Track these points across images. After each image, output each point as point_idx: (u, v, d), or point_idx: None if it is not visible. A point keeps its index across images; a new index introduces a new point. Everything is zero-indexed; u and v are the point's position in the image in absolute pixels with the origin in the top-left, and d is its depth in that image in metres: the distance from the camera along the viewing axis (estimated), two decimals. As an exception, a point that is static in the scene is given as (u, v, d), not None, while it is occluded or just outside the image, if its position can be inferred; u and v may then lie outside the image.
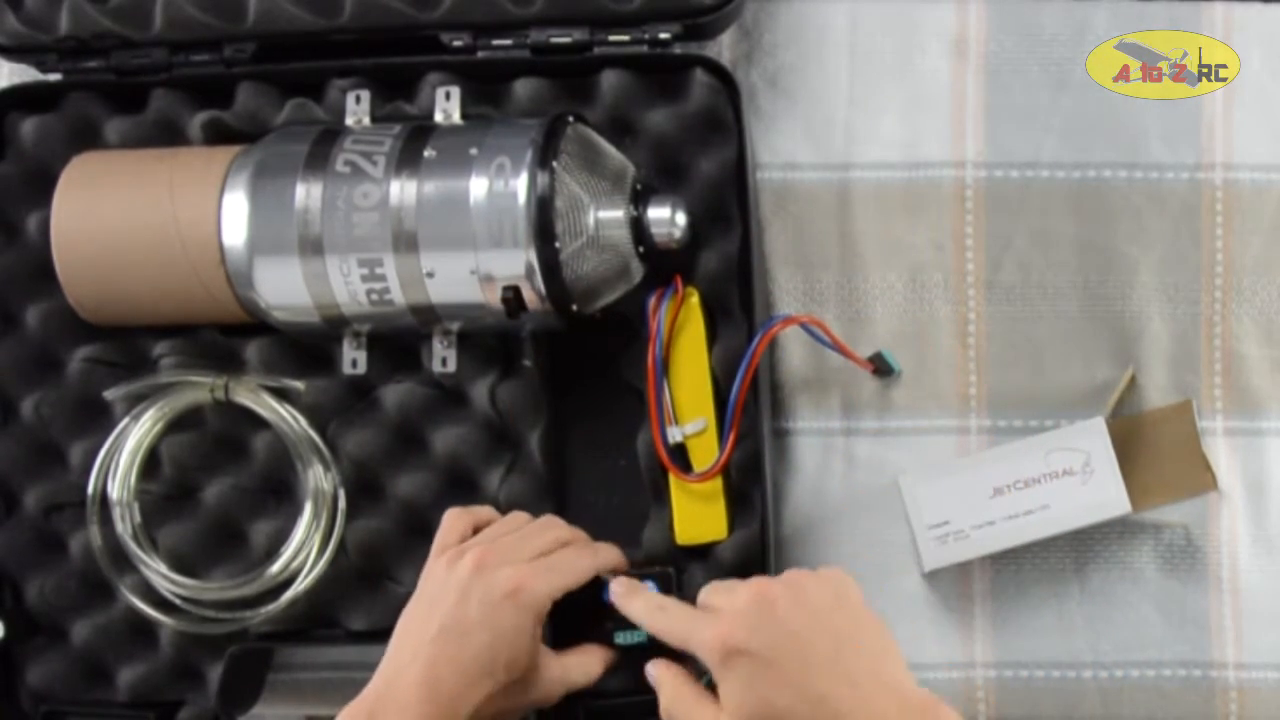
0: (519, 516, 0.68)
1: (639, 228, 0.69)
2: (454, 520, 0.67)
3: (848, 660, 0.56)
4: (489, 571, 0.61)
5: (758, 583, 0.59)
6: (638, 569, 0.71)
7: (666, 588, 0.69)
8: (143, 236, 0.70)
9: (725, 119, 0.74)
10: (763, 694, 0.56)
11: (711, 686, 0.59)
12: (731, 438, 0.70)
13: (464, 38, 0.74)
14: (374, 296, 0.69)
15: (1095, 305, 0.76)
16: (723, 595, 0.60)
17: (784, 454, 0.76)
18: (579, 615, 0.66)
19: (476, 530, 0.67)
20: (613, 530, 0.71)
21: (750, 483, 0.72)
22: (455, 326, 0.71)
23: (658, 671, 0.63)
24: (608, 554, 0.67)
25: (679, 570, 0.71)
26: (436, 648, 0.60)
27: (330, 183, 0.68)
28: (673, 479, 0.72)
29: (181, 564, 0.74)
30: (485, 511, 0.68)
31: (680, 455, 0.72)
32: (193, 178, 0.70)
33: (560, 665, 0.64)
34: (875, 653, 0.58)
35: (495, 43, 0.74)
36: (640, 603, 0.64)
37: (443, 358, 0.72)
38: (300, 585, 0.72)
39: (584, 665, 0.65)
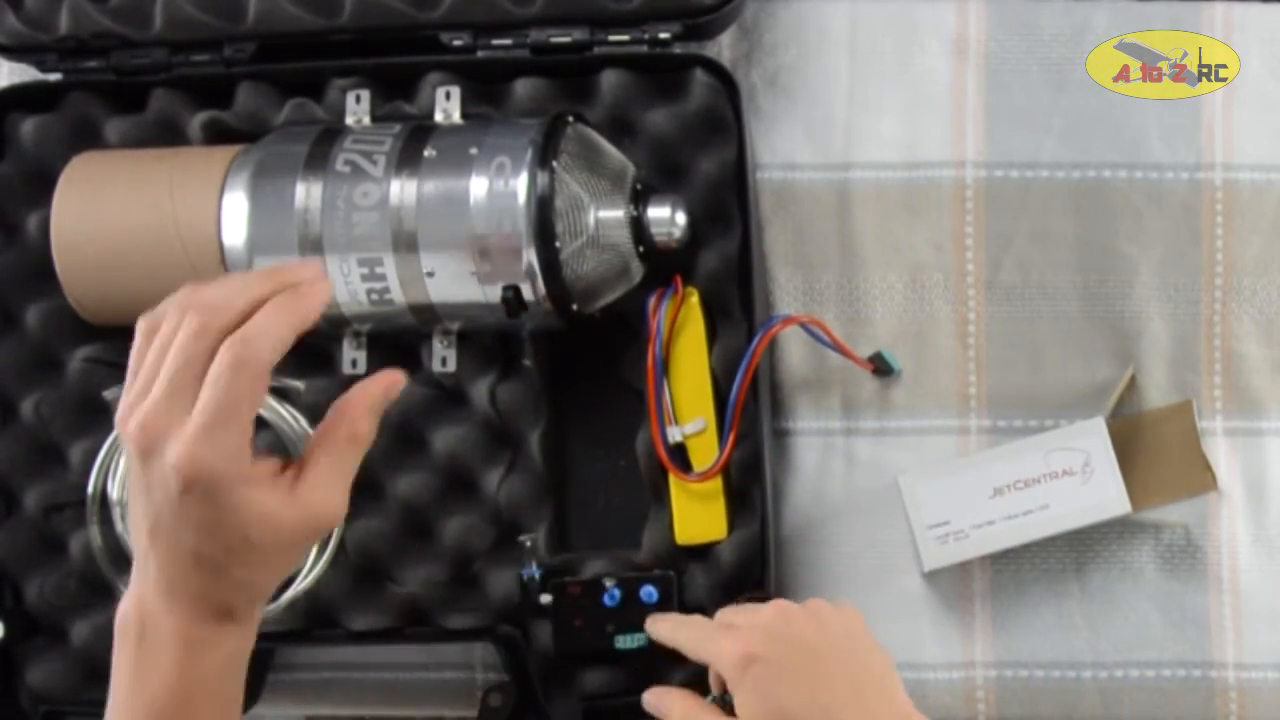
0: (186, 311, 0.51)
1: (639, 227, 0.69)
2: (143, 334, 0.52)
3: (857, 676, 0.58)
4: (155, 456, 0.50)
5: (779, 601, 0.62)
6: (638, 571, 0.71)
7: (667, 591, 0.69)
8: (143, 236, 0.70)
9: (725, 119, 0.73)
10: (777, 700, 0.57)
11: (722, 704, 0.61)
12: (731, 438, 0.70)
13: (464, 37, 0.74)
14: (374, 296, 0.69)
15: (1095, 305, 0.76)
16: (744, 614, 0.62)
17: (784, 454, 0.76)
18: (578, 619, 0.66)
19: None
20: (613, 530, 0.71)
21: (750, 483, 0.72)
22: (455, 326, 0.71)
23: (662, 700, 0.63)
24: (299, 303, 0.52)
25: (679, 571, 0.71)
26: (157, 553, 0.51)
27: (330, 182, 0.68)
28: (673, 479, 0.72)
29: (181, 564, 0.74)
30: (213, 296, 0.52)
31: (680, 455, 0.72)
32: (193, 178, 0.70)
33: (297, 506, 0.52)
34: (881, 675, 0.60)
35: (495, 42, 0.74)
36: (667, 623, 0.65)
37: (443, 357, 0.72)
38: (300, 585, 0.72)
39: (326, 498, 0.53)
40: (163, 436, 0.50)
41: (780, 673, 0.58)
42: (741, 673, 0.58)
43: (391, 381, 0.56)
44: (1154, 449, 0.72)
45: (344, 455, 0.54)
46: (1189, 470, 0.72)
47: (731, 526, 0.72)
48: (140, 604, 0.52)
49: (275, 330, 0.51)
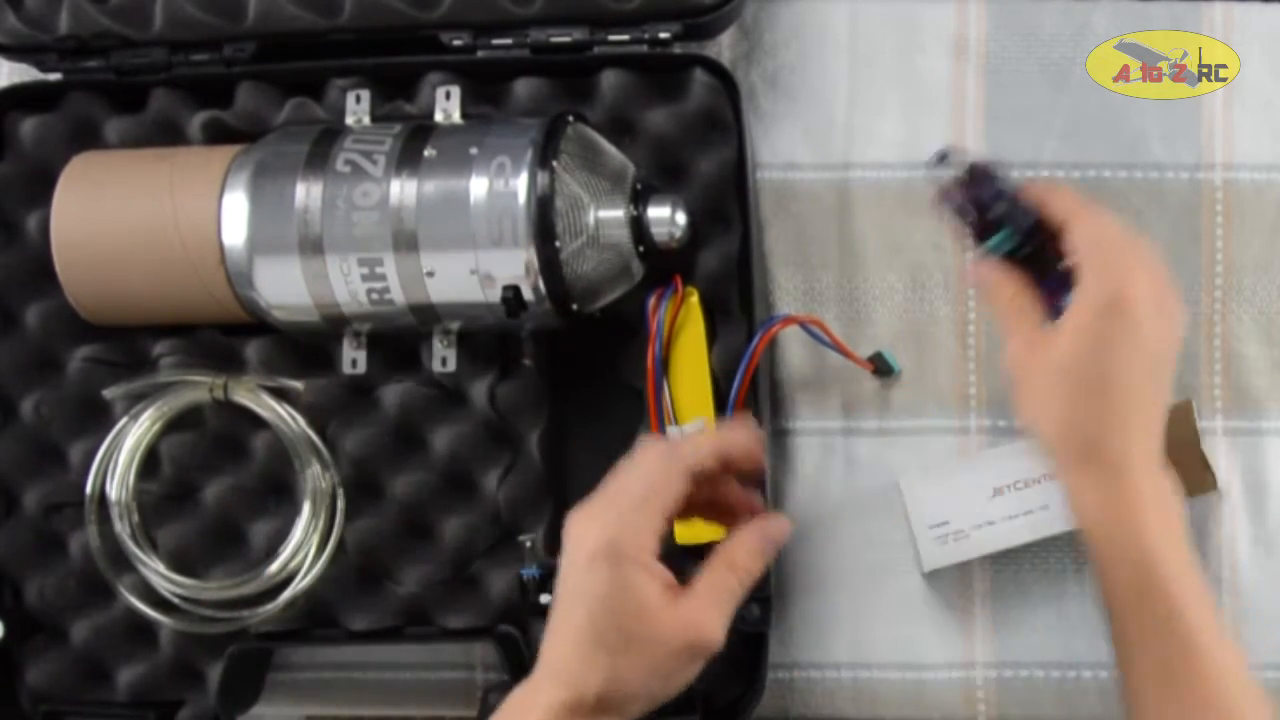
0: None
1: (639, 227, 0.69)
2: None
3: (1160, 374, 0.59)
4: (584, 537, 0.55)
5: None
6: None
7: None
8: (143, 236, 0.70)
9: (725, 119, 0.74)
10: (1127, 285, 0.57)
11: None
12: (731, 437, 0.70)
13: (464, 37, 0.74)
14: (374, 296, 0.69)
15: (1095, 305, 0.76)
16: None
17: (784, 454, 0.76)
18: None
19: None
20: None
21: (750, 483, 0.72)
22: (455, 326, 0.71)
23: (999, 275, 0.60)
24: (728, 439, 0.58)
25: (679, 571, 0.71)
26: (553, 625, 0.56)
27: (330, 182, 0.68)
28: (673, 479, 0.71)
29: (181, 564, 0.73)
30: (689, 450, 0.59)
31: (680, 455, 0.72)
32: (193, 177, 0.71)
33: (677, 614, 0.55)
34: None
35: (495, 42, 0.74)
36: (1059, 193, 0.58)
37: (443, 357, 0.72)
38: (299, 585, 0.72)
39: (704, 617, 0.55)
40: (595, 519, 0.55)
41: (1137, 274, 0.56)
42: (1122, 251, 0.57)
43: (781, 531, 0.60)
44: (1154, 449, 0.72)
45: (727, 582, 0.57)
46: (1189, 470, 0.72)
47: (731, 526, 0.71)
48: (535, 676, 0.55)
49: (737, 439, 0.59)
